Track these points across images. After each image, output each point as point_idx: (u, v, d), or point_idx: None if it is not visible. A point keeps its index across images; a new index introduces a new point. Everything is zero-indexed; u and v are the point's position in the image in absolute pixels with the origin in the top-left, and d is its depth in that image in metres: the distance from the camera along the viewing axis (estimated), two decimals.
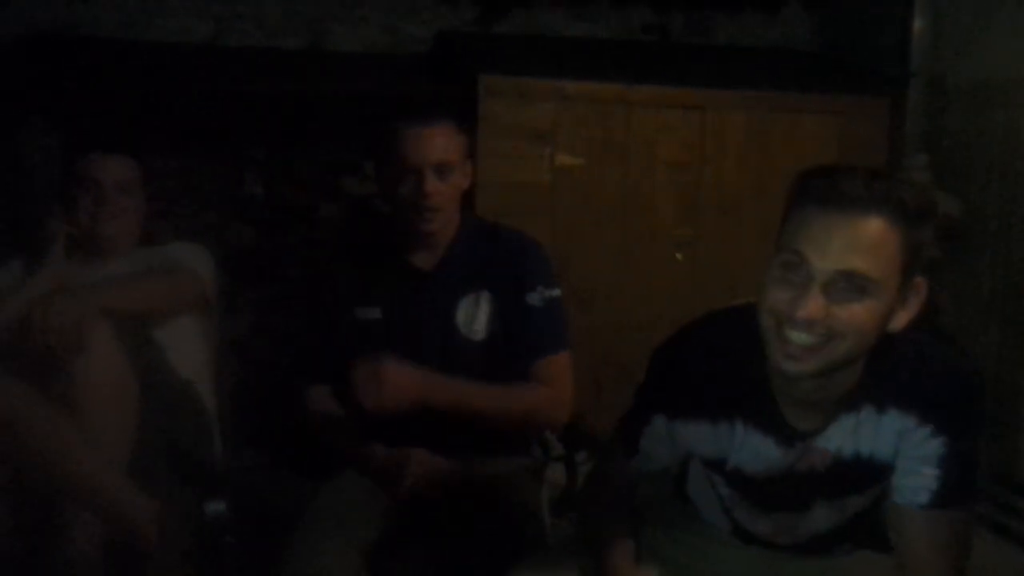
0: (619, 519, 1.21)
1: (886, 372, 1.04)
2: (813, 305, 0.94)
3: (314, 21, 2.79)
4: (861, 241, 0.94)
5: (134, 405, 1.50)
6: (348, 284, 1.65)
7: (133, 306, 1.59)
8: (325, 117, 2.73)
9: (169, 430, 1.63)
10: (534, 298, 1.62)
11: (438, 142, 1.57)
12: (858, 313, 0.95)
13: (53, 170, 2.13)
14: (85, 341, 1.43)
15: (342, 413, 1.63)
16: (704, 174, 2.45)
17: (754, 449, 1.11)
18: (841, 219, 0.94)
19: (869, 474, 1.10)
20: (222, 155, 2.69)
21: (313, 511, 1.59)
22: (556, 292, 1.65)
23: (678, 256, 2.44)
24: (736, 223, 2.44)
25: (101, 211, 1.73)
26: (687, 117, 2.44)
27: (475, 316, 1.63)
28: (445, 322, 1.63)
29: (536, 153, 2.36)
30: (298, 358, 1.73)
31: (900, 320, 1.00)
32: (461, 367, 1.60)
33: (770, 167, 2.43)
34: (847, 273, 0.94)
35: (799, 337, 0.96)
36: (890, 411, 1.06)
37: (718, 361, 1.09)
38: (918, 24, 2.61)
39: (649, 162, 2.43)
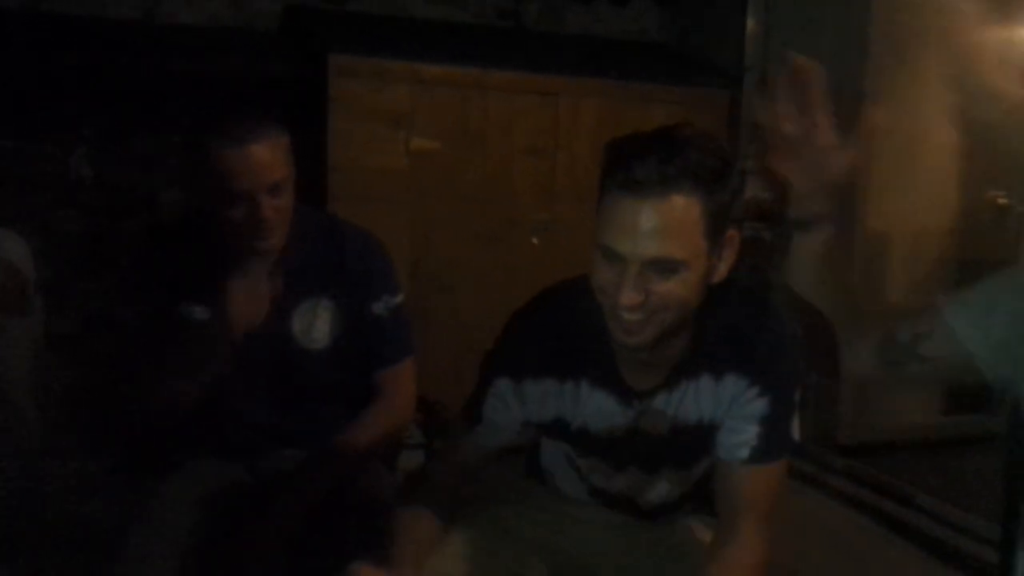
0: (439, 499, 1.19)
1: (721, 339, 1.10)
2: (631, 292, 0.98)
3: None
4: (663, 226, 0.96)
5: None
6: (175, 283, 1.52)
7: None
8: (163, 95, 2.53)
9: None
10: (379, 307, 1.57)
11: (268, 160, 1.44)
12: (674, 288, 1.00)
13: None
14: None
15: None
16: (559, 160, 2.46)
17: (597, 407, 1.14)
18: (640, 207, 0.96)
19: (712, 440, 1.14)
20: (47, 134, 2.44)
21: (147, 516, 1.47)
22: (400, 298, 1.60)
23: (534, 240, 2.44)
24: (590, 208, 2.47)
25: None
26: (542, 103, 2.44)
27: (313, 324, 1.56)
28: (280, 332, 1.54)
29: (392, 137, 2.28)
30: (138, 353, 1.59)
31: (720, 273, 1.05)
32: (299, 376, 1.54)
33: None
34: (656, 260, 0.98)
35: (628, 315, 1.00)
36: (727, 377, 1.11)
37: (565, 324, 1.12)
38: (750, 23, 2.74)
39: (506, 147, 2.42)
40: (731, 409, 1.11)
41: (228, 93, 2.59)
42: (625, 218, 0.97)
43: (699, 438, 1.14)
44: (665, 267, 0.98)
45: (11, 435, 1.56)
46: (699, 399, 1.13)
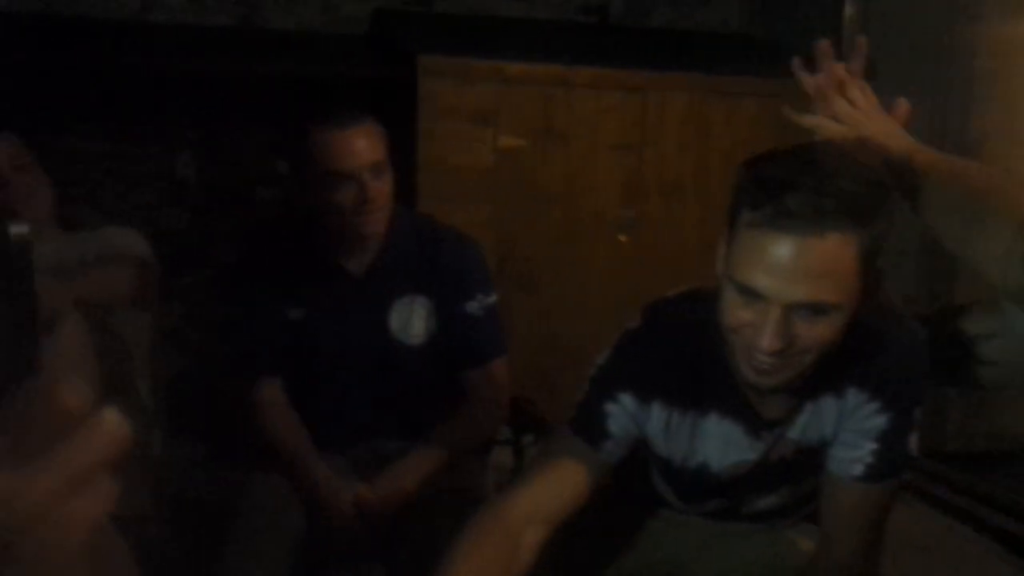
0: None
1: (846, 355, 1.01)
2: (773, 337, 0.89)
3: None
4: (816, 267, 0.87)
5: (88, 398, 1.41)
6: (274, 282, 1.56)
7: (97, 295, 1.53)
8: (260, 98, 2.61)
9: None
10: (473, 307, 1.58)
11: (369, 142, 1.48)
12: (822, 332, 0.90)
13: None
14: (55, 328, 1.35)
15: (293, 413, 1.56)
16: (645, 156, 2.41)
17: (723, 440, 1.07)
18: (791, 244, 0.86)
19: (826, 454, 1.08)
20: (154, 136, 2.54)
21: (248, 505, 1.52)
22: (493, 298, 1.61)
23: (621, 238, 2.40)
24: (677, 204, 2.42)
25: (4, 193, 1.62)
26: (628, 99, 2.39)
27: (410, 321, 1.58)
28: (377, 329, 1.56)
29: (478, 135, 2.28)
30: (239, 350, 1.64)
31: (860, 309, 0.96)
32: (396, 371, 1.56)
33: (710, 149, 2.41)
34: (805, 304, 0.89)
35: (764, 359, 0.91)
36: (848, 391, 1.04)
37: (687, 347, 1.04)
38: (848, 9, 2.61)
39: (591, 144, 2.39)
40: (848, 423, 1.04)
41: (321, 95, 2.65)
42: (772, 255, 0.86)
43: (818, 456, 1.08)
44: (815, 310, 0.88)
45: (128, 414, 1.63)
46: (822, 419, 1.05)
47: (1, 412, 0.33)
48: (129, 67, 2.32)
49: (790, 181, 0.87)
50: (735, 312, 0.91)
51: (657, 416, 1.06)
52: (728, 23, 3.03)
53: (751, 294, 0.90)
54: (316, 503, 1.49)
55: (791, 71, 1.12)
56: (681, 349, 1.04)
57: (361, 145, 1.47)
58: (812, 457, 1.08)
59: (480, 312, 1.58)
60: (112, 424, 0.34)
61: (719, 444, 1.07)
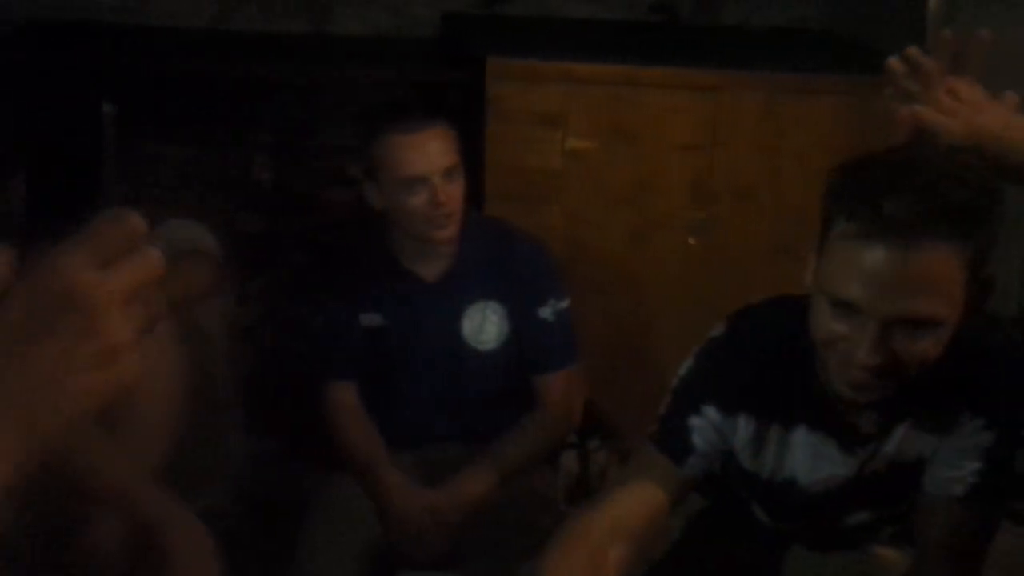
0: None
1: (946, 366, 0.94)
2: (871, 353, 0.83)
3: (318, 4, 2.69)
4: (918, 280, 0.81)
5: (182, 399, 1.47)
6: (347, 286, 1.58)
7: (182, 292, 1.55)
8: (331, 102, 2.64)
9: (202, 424, 1.58)
10: (546, 312, 1.57)
11: (441, 146, 1.48)
12: (924, 348, 0.85)
13: None
14: (150, 328, 1.39)
15: (366, 417, 1.57)
16: (716, 157, 2.35)
17: (812, 455, 1.01)
18: (890, 255, 0.80)
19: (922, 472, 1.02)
20: (230, 141, 2.60)
21: (322, 507, 1.53)
22: (566, 303, 1.59)
23: (691, 241, 2.34)
24: (751, 207, 2.34)
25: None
26: (699, 99, 2.33)
27: (482, 327, 1.57)
28: (450, 334, 1.56)
29: (546, 137, 2.26)
30: (314, 354, 1.66)
31: (965, 322, 0.90)
32: (469, 376, 1.56)
33: (784, 150, 2.33)
34: (905, 319, 0.83)
35: (861, 374, 0.86)
36: (948, 406, 0.98)
37: (774, 357, 1.00)
38: (932, 2, 2.49)
39: (660, 145, 2.33)
40: (949, 440, 0.98)
41: (392, 98, 2.67)
42: (868, 266, 0.81)
43: (915, 474, 1.02)
44: (916, 325, 0.83)
45: (212, 410, 1.66)
46: (921, 435, 0.99)
47: (86, 227, 0.44)
48: (206, 74, 2.37)
49: (888, 187, 0.81)
50: (828, 325, 0.86)
51: (744, 428, 1.02)
52: (804, 19, 2.94)
53: (845, 307, 0.84)
54: (388, 510, 1.49)
55: (872, 67, 1.06)
56: (768, 359, 1.00)
57: (434, 149, 1.47)
58: (908, 474, 1.02)
59: (553, 317, 1.57)
60: (157, 257, 0.46)
61: (808, 458, 1.02)
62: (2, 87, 2.27)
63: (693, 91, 2.33)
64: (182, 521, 1.20)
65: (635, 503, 1.00)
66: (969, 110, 0.96)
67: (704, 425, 1.02)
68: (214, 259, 1.71)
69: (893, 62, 1.00)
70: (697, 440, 1.02)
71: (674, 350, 2.24)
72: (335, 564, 1.43)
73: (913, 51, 0.96)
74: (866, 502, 1.06)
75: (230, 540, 1.75)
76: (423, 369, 1.57)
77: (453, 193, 1.49)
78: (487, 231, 1.61)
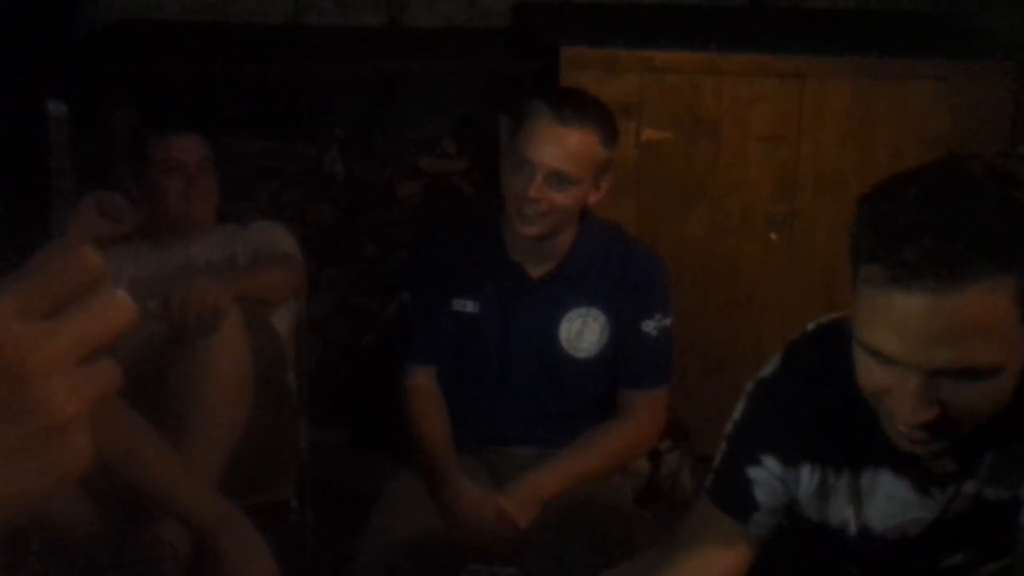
0: None
1: None
2: (917, 409, 0.71)
3: None
4: (959, 327, 0.68)
5: (249, 394, 1.44)
6: (445, 271, 1.50)
7: (258, 294, 1.54)
8: (404, 95, 2.59)
9: (269, 419, 1.55)
10: (650, 326, 1.45)
11: (567, 148, 1.36)
12: (982, 397, 0.72)
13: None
14: (217, 324, 1.38)
15: (442, 407, 1.50)
16: (802, 148, 2.18)
17: (886, 499, 0.88)
18: (924, 302, 0.68)
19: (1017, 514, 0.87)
20: (304, 135, 2.57)
21: (388, 501, 1.47)
22: (669, 322, 1.47)
23: (772, 236, 2.18)
24: (837, 201, 2.16)
25: (189, 192, 1.66)
26: (783, 86, 2.17)
27: (581, 333, 1.46)
28: (545, 336, 1.46)
29: (622, 128, 2.12)
30: (400, 334, 1.60)
31: None
32: (556, 383, 1.46)
33: (876, 140, 2.15)
34: (950, 370, 0.70)
35: (913, 432, 0.74)
36: None
37: (833, 395, 0.86)
38: None
39: (742, 136, 2.18)
40: None
41: (465, 90, 2.60)
42: (898, 317, 0.69)
43: (1008, 512, 0.87)
44: (965, 375, 0.70)
45: (278, 404, 1.63)
46: (1008, 469, 0.85)
47: (26, 265, 0.33)
48: (282, 69, 2.35)
49: (910, 226, 0.68)
50: (870, 376, 0.74)
51: (807, 478, 0.89)
52: (895, 1, 2.72)
53: (882, 357, 0.72)
54: (452, 514, 1.41)
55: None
56: (826, 398, 0.86)
57: (559, 146, 1.35)
58: (1001, 512, 0.87)
59: (655, 332, 1.46)
60: (123, 301, 0.35)
61: (882, 503, 0.88)
62: (92, 84, 2.30)
63: (777, 78, 2.16)
64: (235, 523, 1.15)
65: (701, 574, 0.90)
66: None
67: (765, 477, 0.89)
68: (294, 262, 1.69)
69: None
70: (759, 495, 0.90)
71: (751, 353, 2.11)
72: (398, 556, 1.36)
73: None
74: (957, 545, 0.91)
75: (295, 533, 1.73)
76: (509, 368, 1.47)
77: (551, 197, 1.36)
78: (602, 235, 1.50)
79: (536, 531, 1.39)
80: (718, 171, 2.18)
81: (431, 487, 1.45)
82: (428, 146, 2.61)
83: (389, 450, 1.79)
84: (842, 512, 0.90)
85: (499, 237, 1.48)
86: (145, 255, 1.71)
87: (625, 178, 2.14)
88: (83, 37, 2.42)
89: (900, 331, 0.70)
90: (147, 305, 1.63)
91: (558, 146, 1.34)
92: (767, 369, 0.93)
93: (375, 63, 2.42)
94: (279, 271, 1.64)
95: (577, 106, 1.38)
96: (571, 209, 1.40)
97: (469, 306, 1.48)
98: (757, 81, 2.17)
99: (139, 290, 1.64)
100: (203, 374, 1.40)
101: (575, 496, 1.42)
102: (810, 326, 0.92)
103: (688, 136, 2.17)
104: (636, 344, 1.45)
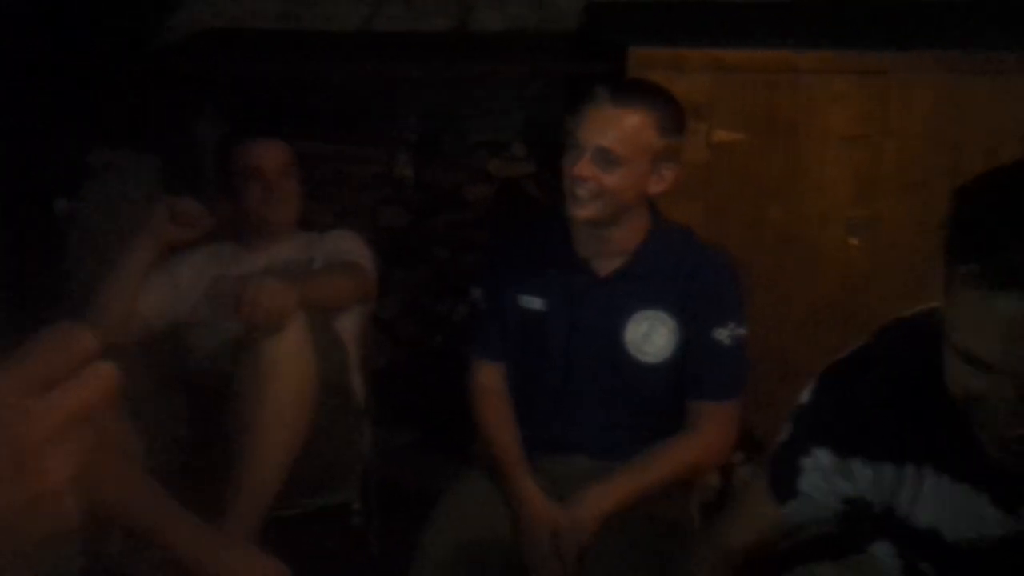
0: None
1: None
2: (1014, 422, 0.67)
3: (460, 1, 2.63)
4: None
5: (313, 398, 1.46)
6: (515, 268, 1.49)
7: (324, 300, 1.56)
8: (473, 98, 2.58)
9: (334, 423, 1.56)
10: (723, 334, 1.40)
11: (615, 127, 1.34)
12: None
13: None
14: (281, 325, 1.40)
15: (511, 407, 1.48)
16: (885, 148, 2.06)
17: (956, 506, 0.82)
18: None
19: None
20: (375, 139, 2.60)
21: (453, 497, 1.46)
22: (744, 331, 1.42)
23: (853, 241, 2.07)
24: (923, 204, 2.04)
25: (269, 197, 1.69)
26: (865, 84, 2.06)
27: (648, 337, 1.42)
28: (611, 336, 1.43)
29: (692, 129, 2.06)
30: (469, 330, 1.60)
31: None
32: (619, 385, 1.41)
33: (967, 139, 2.01)
34: None
35: (1012, 445, 0.69)
36: None
37: (912, 387, 0.81)
38: None
39: (819, 136, 2.08)
40: None
41: (534, 92, 2.58)
42: (1000, 322, 0.66)
43: None
44: None
45: (342, 408, 1.65)
46: None
47: (26, 344, 0.36)
48: (352, 73, 2.37)
49: (1009, 225, 0.64)
50: (963, 382, 0.70)
51: (861, 475, 0.85)
52: None
53: (980, 363, 0.68)
54: (520, 519, 1.39)
55: None
56: (903, 390, 0.82)
57: (607, 123, 1.35)
58: None
59: (729, 341, 1.40)
60: (108, 370, 0.37)
61: (952, 512, 0.82)
62: (175, 92, 2.38)
63: (858, 75, 2.05)
64: (223, 556, 1.15)
65: (740, 535, 0.94)
66: None
67: (812, 469, 0.87)
68: (362, 270, 1.70)
69: None
70: (803, 484, 0.88)
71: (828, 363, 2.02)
72: (457, 561, 1.35)
73: None
74: None
75: (358, 535, 1.74)
76: (572, 368, 1.44)
77: (599, 177, 1.34)
78: (674, 237, 1.46)
79: (595, 548, 1.36)
80: (794, 173, 2.09)
81: (499, 486, 1.43)
82: (497, 149, 2.60)
83: (456, 451, 1.78)
84: (917, 513, 0.85)
85: (568, 234, 1.46)
86: (228, 256, 1.76)
87: (694, 180, 2.07)
88: (166, 47, 2.50)
89: (1002, 338, 0.66)
90: (225, 304, 1.68)
91: (606, 125, 1.34)
92: (847, 351, 0.89)
93: (443, 67, 2.42)
94: (345, 278, 1.66)
95: (632, 89, 1.37)
96: (624, 194, 1.37)
97: (536, 303, 1.46)
98: (836, 78, 2.07)
99: (220, 288, 1.69)
100: (268, 376, 1.41)
101: (637, 512, 1.38)
102: (904, 312, 0.87)
103: (762, 137, 2.08)
104: (707, 353, 1.40)
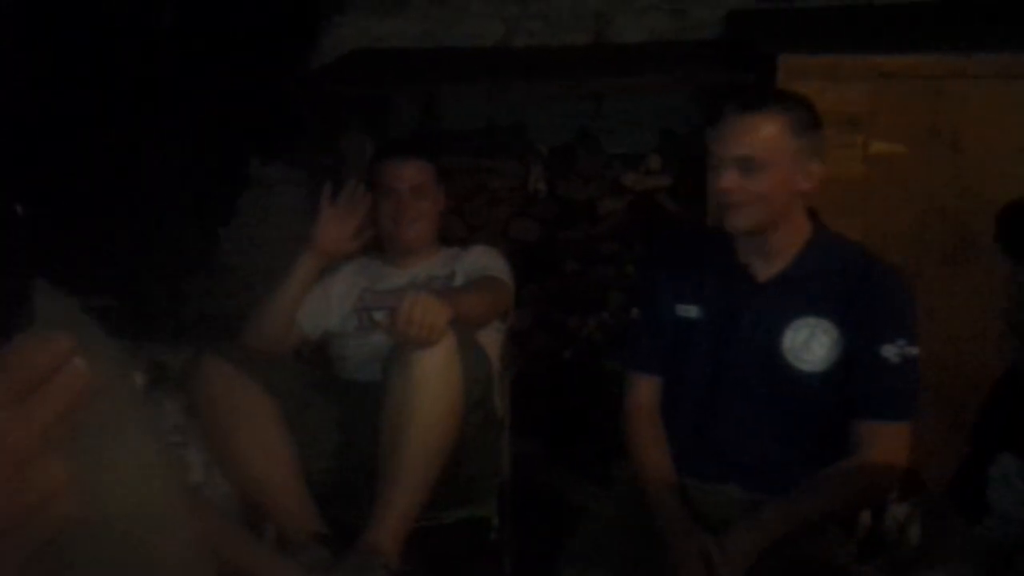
0: None
1: None
2: None
3: (599, 13, 2.59)
4: None
5: (460, 413, 1.46)
6: (672, 276, 1.44)
7: (471, 316, 1.56)
8: (610, 111, 2.54)
9: (477, 437, 1.56)
10: (891, 351, 1.28)
11: (748, 133, 1.29)
12: None
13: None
14: (435, 340, 1.41)
15: (659, 425, 1.43)
16: None
17: None
18: None
19: None
20: (510, 153, 2.60)
21: (594, 521, 1.41)
22: (916, 351, 1.30)
23: None
24: None
25: (400, 216, 1.71)
26: None
27: (808, 345, 1.33)
28: (768, 342, 1.35)
29: (846, 141, 1.94)
30: (628, 346, 1.56)
31: None
32: (778, 396, 1.32)
33: None
34: None
35: None
36: None
37: None
38: None
39: (990, 147, 1.90)
40: None
41: (671, 104, 2.50)
42: None
43: None
44: None
45: (486, 424, 1.64)
46: None
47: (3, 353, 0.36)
48: (489, 88, 2.38)
49: None
50: None
51: None
52: None
53: None
54: (668, 548, 1.33)
55: None
56: None
57: (741, 133, 1.30)
58: None
59: (898, 360, 1.29)
60: (81, 367, 0.37)
61: None
62: (324, 111, 2.47)
63: None
64: None
65: None
66: None
67: (1000, 477, 0.76)
68: (502, 286, 1.69)
69: None
70: (993, 496, 0.78)
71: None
72: None
73: None
74: None
75: (494, 549, 1.72)
76: (722, 380, 1.36)
77: (743, 185, 1.29)
78: (838, 247, 1.38)
79: None
80: (960, 189, 1.92)
81: (649, 514, 1.37)
82: (633, 162, 2.54)
83: (586, 465, 1.74)
84: None
85: (729, 242, 1.39)
86: (374, 269, 1.79)
87: (851, 195, 1.95)
88: (316, 68, 2.60)
89: None
90: (373, 316, 1.71)
91: (740, 134, 1.28)
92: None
93: (579, 80, 2.39)
94: (487, 293, 1.65)
95: (759, 95, 1.30)
96: (774, 196, 1.30)
97: (693, 311, 1.40)
98: (1010, 85, 1.89)
99: (368, 300, 1.73)
100: (418, 390, 1.42)
101: (788, 548, 1.28)
102: None
103: (925, 149, 1.93)
104: (875, 370, 1.28)
